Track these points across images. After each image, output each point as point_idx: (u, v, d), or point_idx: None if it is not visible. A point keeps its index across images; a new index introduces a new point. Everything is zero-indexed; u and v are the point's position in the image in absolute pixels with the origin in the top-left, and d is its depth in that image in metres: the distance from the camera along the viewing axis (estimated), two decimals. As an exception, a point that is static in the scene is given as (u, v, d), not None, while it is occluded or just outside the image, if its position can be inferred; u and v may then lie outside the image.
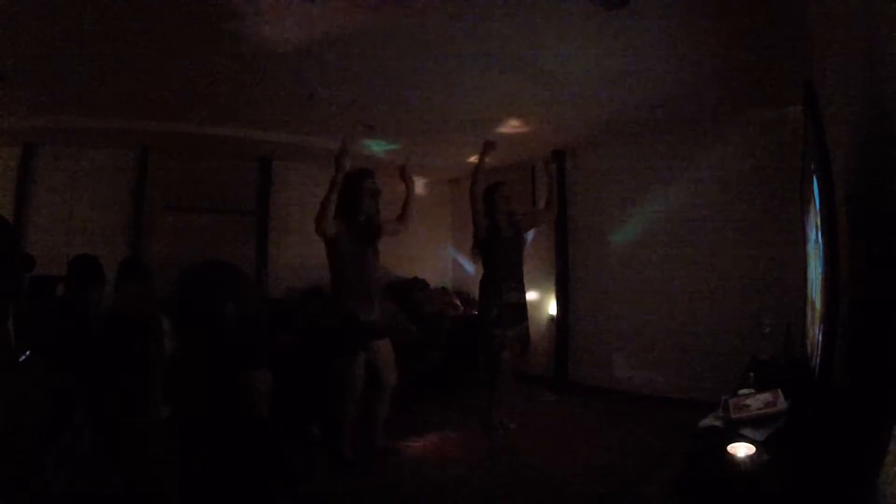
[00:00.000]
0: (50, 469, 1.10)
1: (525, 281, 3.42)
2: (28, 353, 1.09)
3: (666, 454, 2.76)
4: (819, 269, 1.47)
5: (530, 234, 3.46)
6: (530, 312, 3.50)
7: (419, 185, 5.90)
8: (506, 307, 3.25)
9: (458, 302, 5.32)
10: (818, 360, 1.42)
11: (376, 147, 4.40)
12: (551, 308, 4.68)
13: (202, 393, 2.50)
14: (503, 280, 3.29)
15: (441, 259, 5.96)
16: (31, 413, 1.04)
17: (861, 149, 1.38)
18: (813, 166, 1.49)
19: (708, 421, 1.59)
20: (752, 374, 1.89)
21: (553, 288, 4.60)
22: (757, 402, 1.55)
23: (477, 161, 3.27)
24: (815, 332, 1.59)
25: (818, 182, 1.38)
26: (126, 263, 3.01)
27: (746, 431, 1.42)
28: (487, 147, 3.23)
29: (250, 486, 2.37)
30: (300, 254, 4.63)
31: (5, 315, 1.08)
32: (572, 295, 4.53)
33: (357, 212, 2.86)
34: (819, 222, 1.40)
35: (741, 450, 1.29)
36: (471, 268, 5.30)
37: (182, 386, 2.40)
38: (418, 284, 5.00)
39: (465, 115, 3.67)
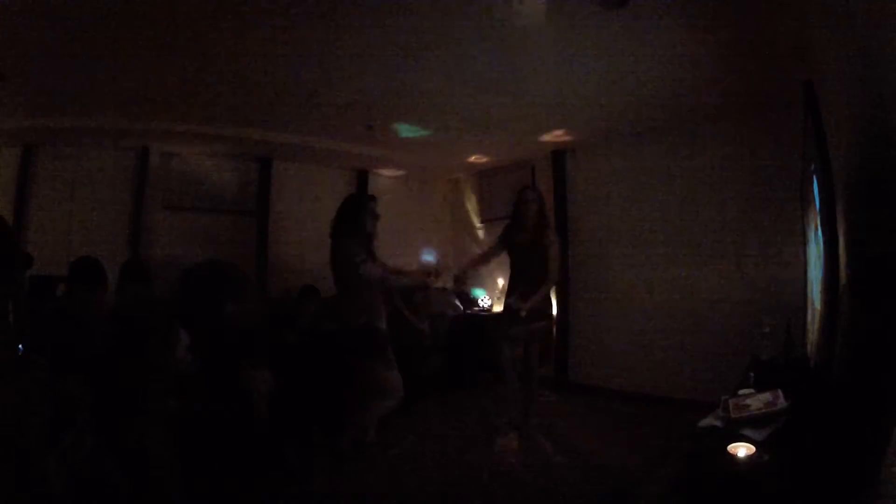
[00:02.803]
0: (51, 469, 1.10)
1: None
2: (22, 346, 1.09)
3: (666, 454, 2.75)
4: (819, 269, 1.48)
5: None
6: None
7: (419, 185, 5.92)
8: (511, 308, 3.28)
9: (458, 302, 5.31)
10: (818, 360, 1.42)
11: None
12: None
13: (202, 393, 2.50)
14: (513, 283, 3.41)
15: (441, 259, 5.95)
16: (33, 414, 1.04)
17: (861, 149, 1.38)
18: (813, 166, 1.50)
19: (708, 421, 1.59)
20: (752, 374, 1.89)
21: (553, 288, 4.59)
22: (757, 402, 1.55)
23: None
24: (814, 332, 1.60)
25: (818, 182, 1.39)
26: (128, 265, 3.01)
27: (746, 431, 1.42)
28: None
29: (250, 485, 2.37)
30: (300, 254, 4.63)
31: (5, 314, 1.08)
32: (572, 295, 4.53)
33: (361, 231, 2.94)
34: (819, 222, 1.41)
35: (741, 450, 1.29)
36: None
37: (183, 386, 2.40)
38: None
39: (466, 115, 3.67)
